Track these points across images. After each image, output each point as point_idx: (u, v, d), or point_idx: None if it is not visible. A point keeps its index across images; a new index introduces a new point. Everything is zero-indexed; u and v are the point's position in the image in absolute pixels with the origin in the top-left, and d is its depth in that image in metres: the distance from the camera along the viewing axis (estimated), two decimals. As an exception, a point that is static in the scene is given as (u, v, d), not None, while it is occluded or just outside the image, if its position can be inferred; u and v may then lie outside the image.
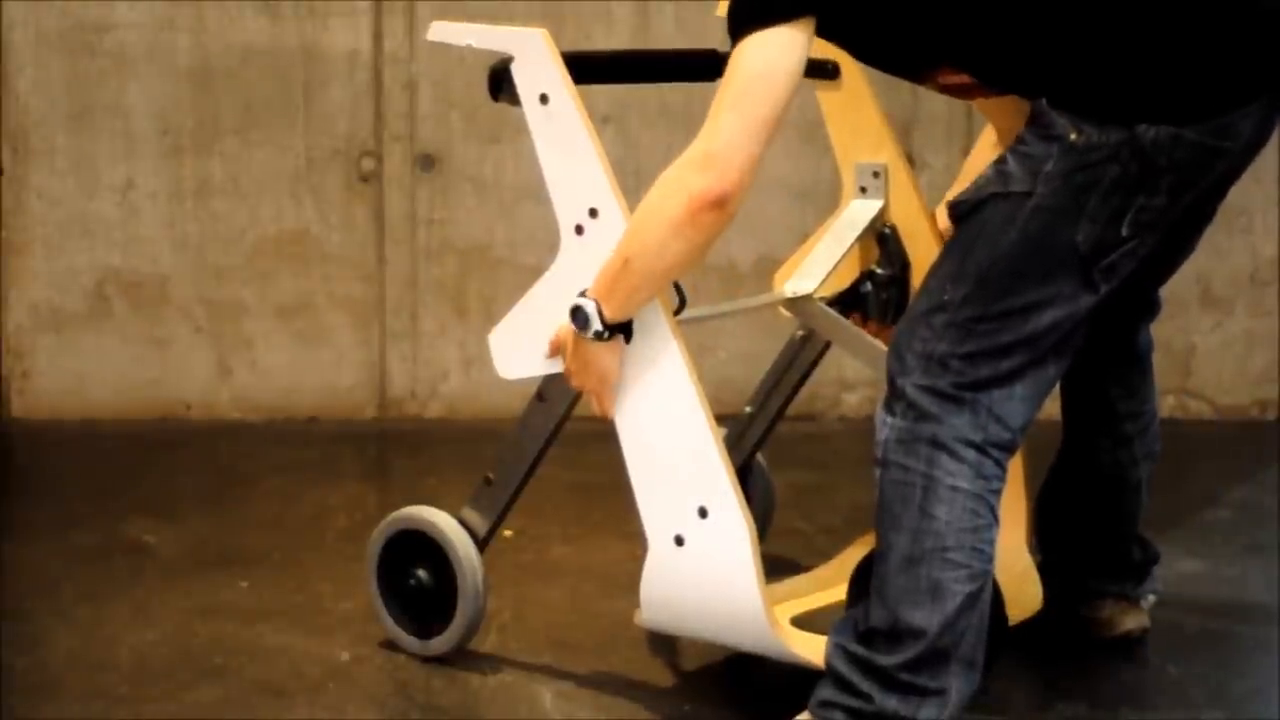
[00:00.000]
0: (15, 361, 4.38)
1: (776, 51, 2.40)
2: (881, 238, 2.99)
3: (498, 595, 3.21)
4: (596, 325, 2.57)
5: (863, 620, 2.45)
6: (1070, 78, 2.36)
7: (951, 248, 2.45)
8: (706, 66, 2.90)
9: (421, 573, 2.92)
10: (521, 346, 2.75)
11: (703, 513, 2.60)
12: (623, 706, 2.76)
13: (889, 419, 2.44)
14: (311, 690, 2.81)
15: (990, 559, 2.42)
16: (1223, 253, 4.44)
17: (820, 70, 2.90)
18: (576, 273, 2.65)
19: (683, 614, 2.67)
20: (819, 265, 2.95)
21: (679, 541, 2.63)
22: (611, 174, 2.66)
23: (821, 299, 2.96)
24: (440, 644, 2.91)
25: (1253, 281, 4.46)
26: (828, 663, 2.49)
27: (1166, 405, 4.47)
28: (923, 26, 2.45)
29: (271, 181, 4.34)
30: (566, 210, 2.71)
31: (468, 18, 4.28)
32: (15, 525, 3.62)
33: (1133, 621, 2.95)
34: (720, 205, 2.41)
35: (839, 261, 2.96)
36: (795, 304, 2.97)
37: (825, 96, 3.05)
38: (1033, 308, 2.38)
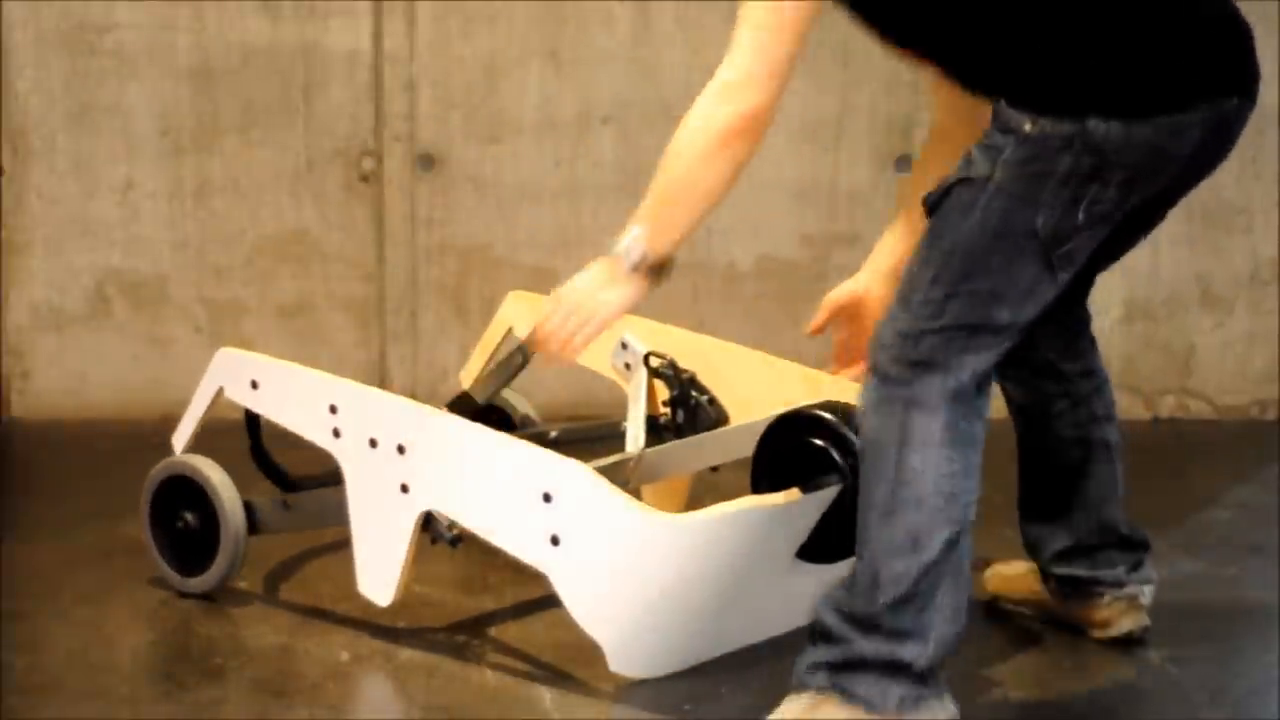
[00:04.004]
0: (15, 361, 4.38)
1: None
2: (655, 372, 3.23)
3: (497, 596, 3.21)
4: (636, 255, 2.59)
5: (849, 578, 2.54)
6: (1024, 75, 2.46)
7: (925, 235, 2.54)
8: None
9: (190, 516, 3.13)
10: (381, 567, 2.92)
11: (547, 498, 2.70)
12: (623, 706, 2.77)
13: (867, 387, 2.54)
14: (311, 690, 2.81)
15: (968, 507, 2.50)
16: (1223, 253, 4.44)
17: None
18: (362, 473, 2.87)
19: (620, 602, 2.74)
20: (635, 426, 3.15)
21: (555, 541, 2.71)
22: (321, 372, 3.00)
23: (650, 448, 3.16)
24: (198, 584, 3.12)
25: (1253, 281, 4.45)
26: (815, 619, 2.57)
27: (1166, 405, 4.47)
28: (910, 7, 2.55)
29: (271, 181, 4.34)
30: (316, 429, 2.95)
31: (467, 17, 4.31)
32: (15, 525, 3.62)
33: (1131, 621, 2.95)
34: (746, 131, 2.48)
35: (644, 414, 3.18)
36: (638, 464, 3.13)
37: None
38: (999, 287, 2.47)
